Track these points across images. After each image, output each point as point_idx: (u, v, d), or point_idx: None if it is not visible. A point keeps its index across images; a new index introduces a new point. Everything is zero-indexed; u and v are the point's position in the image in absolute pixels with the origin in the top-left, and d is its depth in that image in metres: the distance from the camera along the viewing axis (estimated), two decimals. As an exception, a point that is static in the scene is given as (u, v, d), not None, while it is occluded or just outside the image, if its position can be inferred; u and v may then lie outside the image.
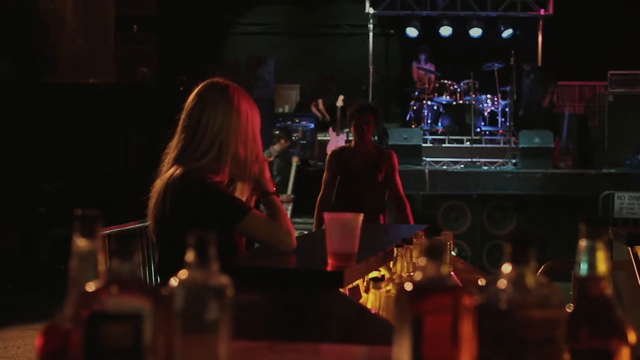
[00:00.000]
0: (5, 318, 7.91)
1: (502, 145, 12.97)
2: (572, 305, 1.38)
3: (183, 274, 1.26)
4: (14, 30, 10.21)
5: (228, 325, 1.28)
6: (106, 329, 1.11)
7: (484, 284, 1.30)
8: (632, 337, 1.35)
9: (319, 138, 12.77)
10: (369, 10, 14.44)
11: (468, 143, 12.89)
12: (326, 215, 2.78)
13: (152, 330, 1.14)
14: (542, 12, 14.05)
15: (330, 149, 13.08)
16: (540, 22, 14.23)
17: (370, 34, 14.71)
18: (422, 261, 1.29)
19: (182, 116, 3.36)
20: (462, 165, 12.18)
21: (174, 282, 1.26)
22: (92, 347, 1.12)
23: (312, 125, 12.23)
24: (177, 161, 3.26)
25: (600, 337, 1.34)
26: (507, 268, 1.24)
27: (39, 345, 1.27)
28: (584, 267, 1.37)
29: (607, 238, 1.39)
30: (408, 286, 1.28)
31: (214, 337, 1.26)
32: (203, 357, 1.26)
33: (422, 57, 14.26)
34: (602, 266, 1.37)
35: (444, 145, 13.04)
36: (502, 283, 1.24)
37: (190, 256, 1.26)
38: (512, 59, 12.91)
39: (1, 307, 8.64)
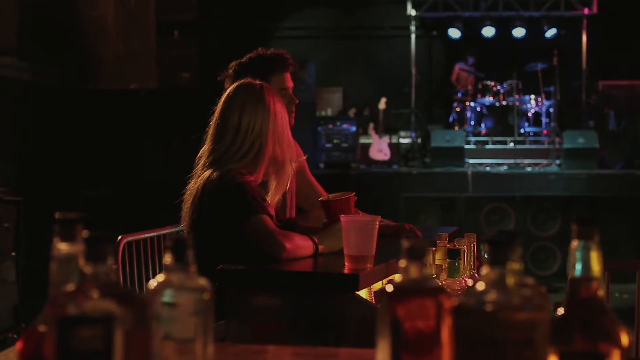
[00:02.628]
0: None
1: (546, 146, 12.84)
2: (563, 306, 1.35)
3: (161, 276, 1.26)
4: (56, 38, 10.32)
5: (207, 327, 1.27)
6: (76, 332, 1.11)
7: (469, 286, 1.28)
8: (624, 339, 1.32)
9: (361, 141, 12.75)
10: (411, 12, 14.37)
11: (512, 144, 12.78)
12: (343, 218, 2.76)
13: (123, 334, 1.14)
14: (586, 11, 13.88)
15: (373, 154, 13.16)
16: (585, 22, 14.07)
17: (413, 35, 14.65)
18: (402, 263, 1.27)
19: (216, 119, 3.37)
20: (505, 167, 12.08)
21: (152, 284, 1.26)
22: (63, 351, 1.12)
23: (354, 129, 12.19)
24: (216, 163, 3.26)
25: (591, 339, 1.32)
26: (485, 269, 1.22)
27: (18, 348, 1.27)
28: (575, 268, 1.35)
29: (598, 238, 1.37)
30: (389, 288, 1.26)
31: (192, 340, 1.25)
32: (181, 360, 1.25)
33: (470, 60, 14.08)
34: (594, 267, 1.35)
35: (487, 146, 12.94)
36: (481, 285, 1.22)
37: (167, 258, 1.26)
38: (555, 58, 12.79)
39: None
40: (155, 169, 10.59)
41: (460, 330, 1.20)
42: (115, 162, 10.42)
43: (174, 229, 4.91)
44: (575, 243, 1.35)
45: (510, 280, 1.21)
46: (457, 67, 14.23)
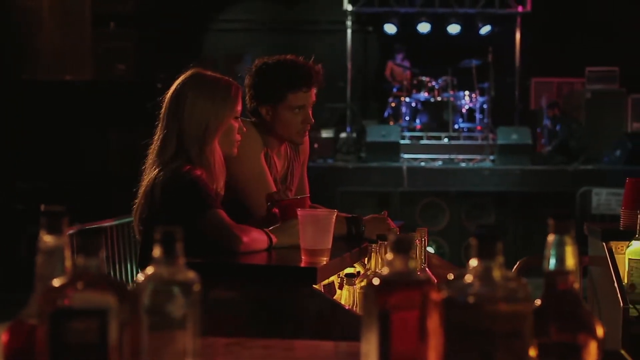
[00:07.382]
0: (-18, 316, 7.84)
1: (480, 142, 12.99)
2: (540, 299, 1.38)
3: (150, 269, 1.26)
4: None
5: (196, 320, 1.27)
6: (70, 325, 1.11)
7: (451, 279, 1.30)
8: (599, 331, 1.36)
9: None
10: (347, 7, 14.43)
11: (446, 140, 12.90)
12: (300, 212, 2.77)
13: (117, 326, 1.14)
14: (520, 9, 14.08)
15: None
16: (518, 19, 14.26)
17: (349, 30, 14.70)
18: (389, 256, 1.29)
19: (163, 112, 3.33)
20: (440, 162, 12.18)
21: (140, 277, 1.26)
22: (57, 344, 1.12)
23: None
24: (163, 160, 3.22)
25: (568, 331, 1.35)
26: (473, 262, 1.25)
27: (4, 341, 1.26)
28: (551, 262, 1.38)
29: (574, 233, 1.40)
30: (375, 281, 1.28)
31: (181, 332, 1.25)
32: (170, 352, 1.25)
33: (399, 56, 14.23)
34: (570, 261, 1.38)
35: (422, 142, 13.04)
36: (469, 277, 1.24)
37: (156, 251, 1.26)
38: (489, 55, 12.97)
39: (-22, 305, 8.57)
40: (92, 161, 10.46)
41: (450, 322, 1.22)
42: (51, 154, 10.27)
43: (113, 222, 4.86)
44: (551, 237, 1.38)
45: (497, 274, 1.23)
46: (390, 63, 14.32)
